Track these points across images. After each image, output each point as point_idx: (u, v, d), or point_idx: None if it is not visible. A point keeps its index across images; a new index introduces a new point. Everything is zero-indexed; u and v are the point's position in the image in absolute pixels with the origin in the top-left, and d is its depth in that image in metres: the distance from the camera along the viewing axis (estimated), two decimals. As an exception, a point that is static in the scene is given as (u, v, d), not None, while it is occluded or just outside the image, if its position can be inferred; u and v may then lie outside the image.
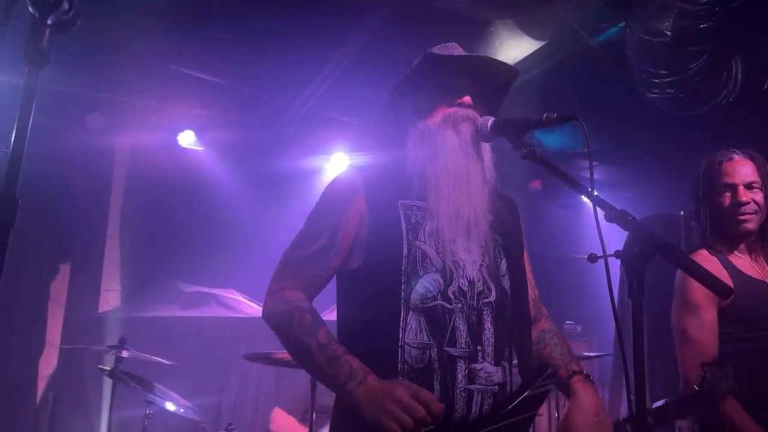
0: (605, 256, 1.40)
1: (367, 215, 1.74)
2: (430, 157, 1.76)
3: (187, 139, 5.86)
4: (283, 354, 3.49)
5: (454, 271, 1.68)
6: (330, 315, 1.83)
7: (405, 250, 1.68)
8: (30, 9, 1.07)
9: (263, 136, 5.93)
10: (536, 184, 6.74)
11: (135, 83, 5.20)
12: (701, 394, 2.01)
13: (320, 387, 3.40)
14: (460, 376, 1.61)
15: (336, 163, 6.31)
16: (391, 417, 1.47)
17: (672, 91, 3.96)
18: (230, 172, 6.06)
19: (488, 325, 1.67)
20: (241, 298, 5.72)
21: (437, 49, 1.90)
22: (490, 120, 1.74)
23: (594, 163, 1.60)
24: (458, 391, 1.60)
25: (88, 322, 5.52)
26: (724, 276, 2.31)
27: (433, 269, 1.67)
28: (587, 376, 1.77)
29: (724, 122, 4.41)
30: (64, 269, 5.68)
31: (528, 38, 4.19)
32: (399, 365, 1.61)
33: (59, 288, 5.63)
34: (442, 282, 1.66)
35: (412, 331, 1.63)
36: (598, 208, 1.47)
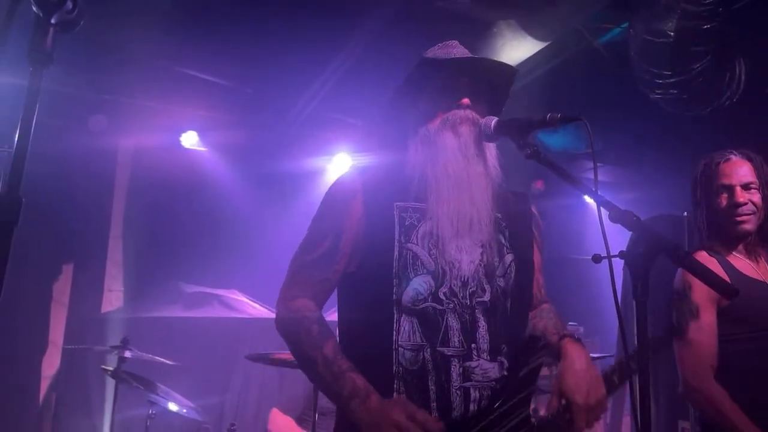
0: (609, 257, 1.40)
1: (364, 217, 1.74)
2: (430, 160, 1.76)
3: (190, 139, 5.86)
4: (285, 354, 3.49)
5: (448, 272, 1.68)
6: (332, 316, 1.83)
7: (396, 253, 1.68)
8: (33, 8, 1.07)
9: (266, 136, 5.94)
10: (539, 185, 6.73)
11: (138, 84, 5.20)
12: (672, 327, 2.01)
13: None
14: (454, 375, 1.61)
15: (339, 164, 6.31)
16: None
17: (675, 91, 3.96)
18: (233, 173, 6.06)
19: (482, 323, 1.67)
20: (244, 299, 5.72)
21: (437, 48, 1.90)
22: (494, 120, 1.74)
23: (598, 164, 1.60)
24: (454, 390, 1.61)
25: (90, 322, 5.53)
26: (723, 277, 2.30)
27: (425, 271, 1.68)
28: (577, 339, 1.77)
29: (728, 123, 4.40)
30: (67, 269, 5.69)
31: (531, 39, 4.18)
32: (394, 367, 1.62)
33: (62, 288, 5.64)
34: (433, 283, 1.67)
35: (406, 333, 1.64)
36: (602, 209, 1.46)
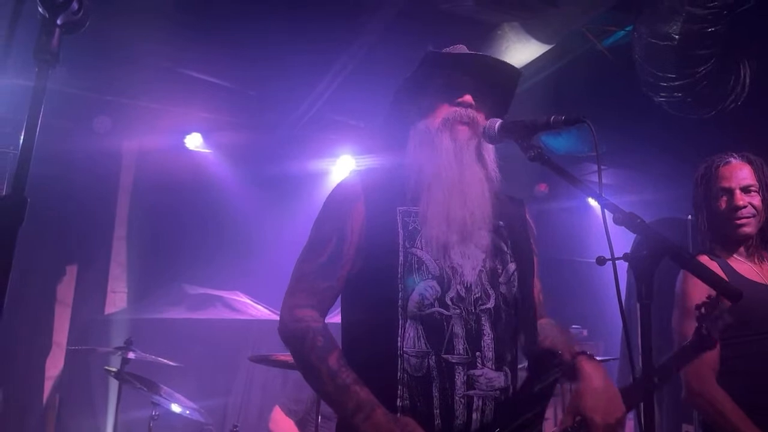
0: (613, 259, 1.40)
1: (366, 222, 1.73)
2: (426, 162, 1.75)
3: (194, 141, 5.87)
4: (288, 356, 3.48)
5: (452, 278, 1.67)
6: (335, 318, 1.83)
7: (401, 258, 1.67)
8: (39, 9, 1.08)
9: (270, 138, 5.95)
10: (542, 188, 6.73)
11: (142, 86, 5.22)
12: (701, 336, 2.00)
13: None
14: (458, 383, 1.60)
15: (342, 166, 6.32)
16: None
17: (680, 94, 3.95)
18: (237, 175, 6.07)
19: (487, 331, 1.66)
20: (247, 300, 5.73)
21: (438, 49, 1.90)
22: (498, 122, 1.74)
23: (602, 167, 1.60)
24: (457, 398, 1.59)
25: (94, 323, 5.54)
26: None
27: (430, 276, 1.66)
28: (591, 356, 1.75)
29: (732, 126, 4.40)
30: (71, 271, 5.70)
31: (535, 41, 4.18)
32: (398, 374, 1.61)
33: (66, 289, 5.65)
34: (439, 288, 1.66)
35: (410, 340, 1.63)
36: (606, 211, 1.46)
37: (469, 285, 1.68)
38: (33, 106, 1.06)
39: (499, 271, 1.74)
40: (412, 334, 1.63)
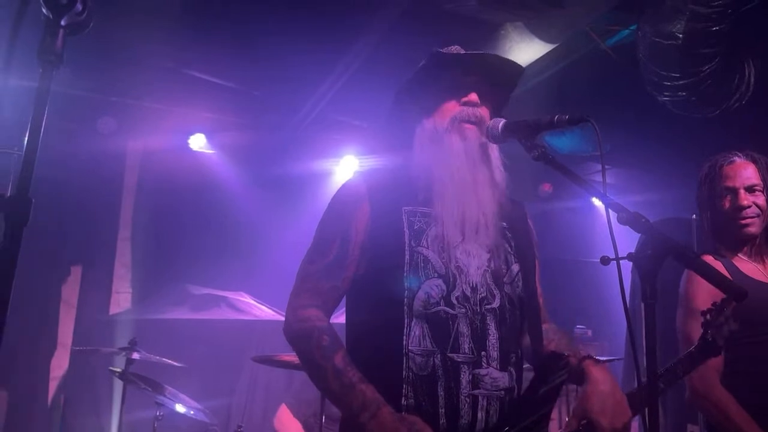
0: (617, 259, 1.39)
1: (371, 222, 1.74)
2: (436, 163, 1.75)
3: (198, 142, 5.88)
4: (292, 356, 3.49)
5: (458, 277, 1.67)
6: (339, 318, 1.83)
7: (407, 256, 1.67)
8: (43, 10, 1.08)
9: (274, 139, 5.95)
10: (546, 187, 6.72)
11: (146, 87, 5.23)
12: (706, 342, 2.00)
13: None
14: (464, 382, 1.60)
15: (346, 167, 6.32)
16: None
17: (684, 93, 3.94)
18: (240, 175, 6.08)
19: (492, 331, 1.66)
20: (251, 301, 5.74)
21: (441, 50, 1.90)
22: (502, 122, 1.74)
23: (606, 166, 1.60)
24: (462, 397, 1.59)
25: (99, 323, 5.55)
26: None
27: (436, 275, 1.67)
28: (597, 359, 1.75)
29: (737, 125, 4.38)
30: (76, 271, 5.71)
31: (539, 41, 4.17)
32: (404, 372, 1.61)
33: (71, 290, 5.66)
34: (444, 287, 1.66)
35: (416, 338, 1.63)
36: (610, 211, 1.46)
37: (474, 285, 1.68)
38: (37, 107, 1.07)
39: (504, 271, 1.75)
40: (417, 333, 1.63)
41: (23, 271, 1.05)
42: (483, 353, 1.63)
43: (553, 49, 4.33)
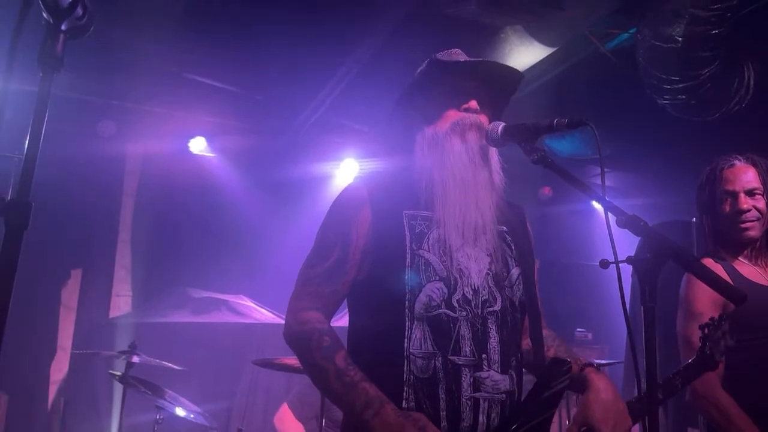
0: (617, 262, 1.39)
1: (373, 226, 1.74)
2: (438, 166, 1.76)
3: (198, 145, 5.89)
4: (292, 359, 3.49)
5: (459, 280, 1.67)
6: (340, 321, 1.83)
7: (408, 259, 1.68)
8: (44, 15, 1.08)
9: (274, 142, 5.96)
10: (546, 191, 6.72)
11: (146, 90, 5.24)
12: (704, 355, 2.00)
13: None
14: (465, 385, 1.60)
15: (346, 170, 6.32)
16: None
17: (683, 97, 3.94)
18: (241, 179, 6.08)
19: (493, 334, 1.66)
20: (251, 304, 5.73)
21: (441, 56, 1.91)
22: (501, 125, 1.74)
23: (605, 169, 1.60)
24: (464, 400, 1.59)
25: (99, 327, 5.55)
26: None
27: (437, 277, 1.67)
28: (599, 367, 1.76)
29: (737, 128, 4.39)
30: (76, 275, 5.71)
31: (539, 44, 4.18)
32: (405, 375, 1.61)
33: (71, 293, 5.66)
34: (446, 290, 1.66)
35: (417, 341, 1.63)
36: (609, 214, 1.46)
37: (476, 287, 1.68)
38: (38, 110, 1.07)
39: (505, 274, 1.75)
40: (418, 336, 1.63)
41: (23, 275, 1.05)
42: (484, 356, 1.63)
43: (553, 53, 4.34)
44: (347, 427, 1.71)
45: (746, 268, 2.41)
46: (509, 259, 1.78)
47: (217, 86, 5.29)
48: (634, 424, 1.71)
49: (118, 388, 4.65)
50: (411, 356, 1.61)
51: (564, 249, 6.68)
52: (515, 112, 1.97)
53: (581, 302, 6.43)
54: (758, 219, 2.40)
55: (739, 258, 2.45)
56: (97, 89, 5.17)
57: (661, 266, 1.33)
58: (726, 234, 2.45)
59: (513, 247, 1.82)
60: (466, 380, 1.60)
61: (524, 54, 4.25)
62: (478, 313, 1.66)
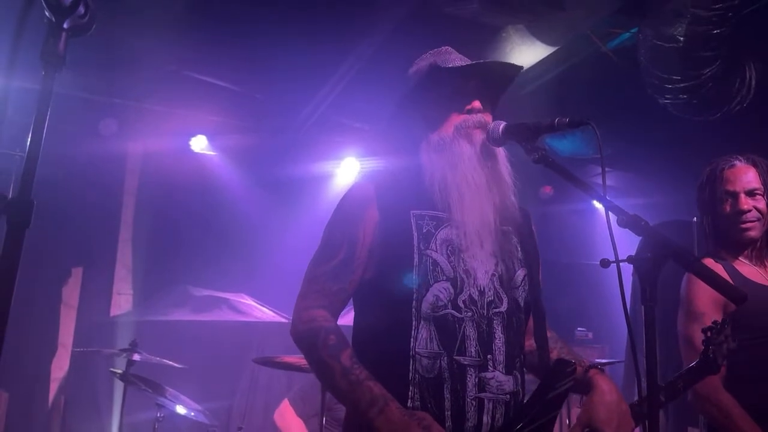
0: (617, 262, 1.39)
1: (380, 225, 1.74)
2: (449, 168, 1.75)
3: (199, 143, 5.89)
4: (293, 358, 3.49)
5: (465, 280, 1.68)
6: (342, 320, 1.83)
7: (416, 259, 1.68)
8: (46, 13, 1.08)
9: (275, 141, 5.96)
10: (547, 190, 6.72)
11: (148, 88, 5.24)
12: (707, 358, 2.01)
13: (332, 398, 3.42)
14: (470, 385, 1.60)
15: (347, 169, 6.32)
16: None
17: (685, 96, 3.94)
18: (242, 177, 6.08)
19: (499, 335, 1.67)
20: (252, 303, 5.74)
21: (429, 56, 1.91)
22: (502, 125, 1.74)
23: (606, 169, 1.60)
24: (469, 400, 1.60)
25: (100, 325, 5.56)
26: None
27: (444, 277, 1.67)
28: (602, 369, 1.77)
29: (738, 128, 4.38)
30: (77, 273, 5.72)
31: (540, 44, 4.18)
32: (410, 375, 1.61)
33: (71, 291, 5.67)
34: (452, 290, 1.66)
35: (423, 341, 1.63)
36: (610, 214, 1.46)
37: (482, 288, 1.69)
38: (40, 109, 1.07)
39: (511, 275, 1.75)
40: (424, 335, 1.63)
41: (24, 273, 1.05)
42: (489, 357, 1.64)
43: (554, 52, 4.34)
44: (351, 424, 1.72)
45: (746, 268, 2.42)
46: (515, 260, 1.79)
47: (218, 85, 5.29)
48: (636, 426, 1.72)
49: (118, 386, 4.66)
50: (417, 356, 1.62)
51: (565, 248, 6.68)
52: (516, 112, 1.97)
53: (582, 301, 6.43)
54: (758, 219, 2.40)
55: (740, 258, 2.45)
56: (98, 87, 5.17)
57: (662, 266, 1.33)
58: (726, 234, 2.45)
59: (519, 248, 1.82)
60: (471, 380, 1.61)
61: (525, 53, 4.25)
62: (483, 313, 1.67)
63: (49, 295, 5.49)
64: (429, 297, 1.65)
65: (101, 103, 5.35)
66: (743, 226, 2.39)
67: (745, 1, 3.53)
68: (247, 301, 5.74)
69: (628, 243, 1.87)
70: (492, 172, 1.77)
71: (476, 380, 1.61)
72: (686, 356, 2.35)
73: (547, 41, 4.17)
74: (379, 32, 4.35)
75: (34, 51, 1.11)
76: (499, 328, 1.67)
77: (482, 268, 1.70)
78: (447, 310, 1.65)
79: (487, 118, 1.82)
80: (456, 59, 1.86)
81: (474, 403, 1.60)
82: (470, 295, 1.67)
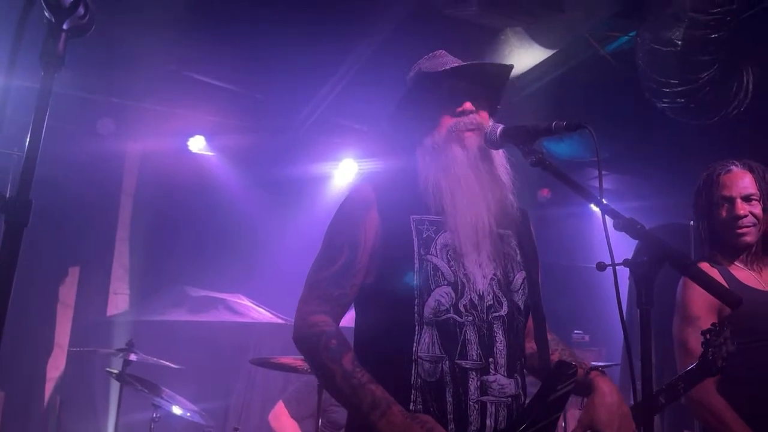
0: (614, 265, 1.40)
1: (381, 229, 1.74)
2: (442, 172, 1.76)
3: (197, 144, 5.89)
4: (289, 359, 3.49)
5: (465, 285, 1.68)
6: (345, 318, 1.83)
7: (416, 265, 1.68)
8: (46, 14, 1.08)
9: (273, 141, 5.96)
10: (545, 193, 6.72)
11: (146, 88, 5.24)
12: (707, 361, 2.02)
13: (329, 399, 3.42)
14: (472, 388, 1.61)
15: (345, 170, 6.33)
16: None
17: (682, 100, 3.95)
18: (240, 178, 6.08)
19: (500, 338, 1.67)
20: (249, 303, 5.74)
21: (425, 61, 1.91)
22: (500, 127, 1.74)
23: (604, 172, 1.61)
24: (471, 403, 1.60)
25: (96, 325, 5.55)
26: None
27: (445, 282, 1.68)
28: (603, 372, 1.78)
29: (735, 132, 4.39)
30: (74, 272, 5.71)
31: (538, 47, 4.19)
32: (412, 379, 1.62)
33: (68, 291, 5.66)
34: (453, 295, 1.67)
35: (425, 345, 1.64)
36: (606, 217, 1.46)
37: (481, 293, 1.69)
38: (39, 109, 1.07)
39: (510, 279, 1.76)
40: (427, 340, 1.64)
41: (21, 272, 1.05)
42: (491, 360, 1.64)
43: (553, 55, 4.35)
44: (353, 428, 1.72)
45: (742, 273, 2.43)
46: (514, 263, 1.79)
47: (216, 85, 5.29)
48: (637, 428, 1.72)
49: (114, 386, 4.65)
50: (419, 360, 1.63)
51: (563, 251, 6.69)
52: (514, 114, 1.98)
53: (579, 304, 6.43)
54: (754, 224, 2.41)
55: (735, 263, 2.46)
56: (96, 86, 5.17)
57: (658, 269, 1.34)
58: (722, 239, 2.46)
59: (518, 251, 1.82)
60: (473, 384, 1.61)
61: (524, 56, 4.25)
62: (483, 317, 1.67)
63: (45, 294, 5.48)
64: (431, 302, 1.66)
65: (100, 102, 5.35)
66: (739, 231, 2.41)
67: (743, 5, 3.54)
68: (244, 302, 5.74)
69: (627, 246, 1.88)
70: (488, 175, 1.77)
71: (478, 383, 1.62)
72: (680, 360, 2.36)
73: (545, 44, 4.18)
74: (378, 33, 4.35)
75: (33, 50, 1.11)
76: (500, 332, 1.68)
77: (480, 273, 1.71)
78: (449, 315, 1.65)
79: (482, 117, 1.81)
80: (449, 62, 1.86)
81: (476, 406, 1.60)
82: (471, 299, 1.68)
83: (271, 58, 4.77)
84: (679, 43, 3.60)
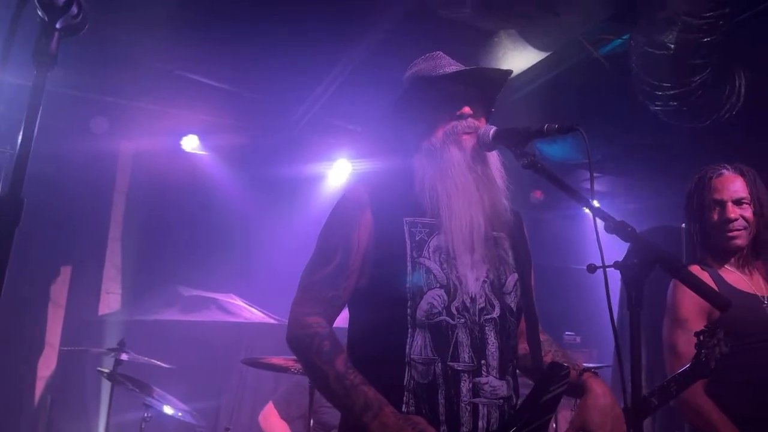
0: (604, 267, 1.41)
1: (374, 231, 1.75)
2: (439, 175, 1.76)
3: (190, 143, 5.87)
4: (281, 359, 3.49)
5: (458, 287, 1.69)
6: (339, 322, 1.83)
7: (409, 267, 1.69)
8: (39, 13, 1.08)
9: (267, 141, 5.95)
10: (537, 195, 6.74)
11: (139, 87, 5.22)
12: (699, 362, 2.03)
13: (320, 400, 3.42)
14: (464, 390, 1.62)
15: (339, 170, 6.32)
16: None
17: (675, 103, 3.97)
18: (233, 177, 6.07)
19: (492, 340, 1.68)
20: (241, 303, 5.73)
21: (422, 61, 1.91)
22: (492, 129, 1.75)
23: (596, 174, 1.61)
24: (463, 405, 1.61)
25: (87, 324, 5.52)
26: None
27: (437, 285, 1.68)
28: (596, 373, 1.78)
29: (727, 136, 4.42)
30: (65, 271, 5.69)
31: (532, 49, 4.20)
32: (405, 381, 1.63)
33: (59, 290, 5.64)
34: (446, 297, 1.68)
35: (418, 347, 1.65)
36: (598, 219, 1.47)
37: (473, 295, 1.70)
38: (31, 108, 1.07)
39: (503, 281, 1.76)
40: (419, 342, 1.65)
41: (11, 270, 1.05)
42: (483, 362, 1.65)
43: (546, 57, 4.35)
44: (345, 429, 1.73)
45: (732, 276, 2.44)
46: (506, 265, 1.80)
47: (210, 84, 5.28)
48: (629, 429, 1.73)
49: (106, 386, 4.63)
50: (412, 362, 1.64)
51: (554, 252, 6.70)
52: (508, 116, 1.98)
53: (571, 305, 6.45)
54: (745, 228, 2.43)
55: (726, 266, 2.48)
56: (89, 85, 5.15)
57: (648, 272, 1.35)
58: (713, 242, 2.48)
59: (510, 254, 1.83)
60: (465, 386, 1.62)
61: (517, 58, 4.26)
62: (475, 320, 1.68)
63: (36, 293, 5.46)
64: (423, 304, 1.66)
65: (93, 101, 5.33)
66: (730, 234, 2.43)
67: (735, 9, 3.56)
68: (236, 302, 5.73)
69: (618, 248, 1.89)
70: (483, 178, 1.77)
71: (470, 385, 1.62)
72: (669, 362, 2.37)
73: (539, 46, 4.19)
74: (373, 34, 4.36)
75: (26, 47, 1.11)
76: (492, 334, 1.68)
77: (473, 275, 1.71)
78: (441, 317, 1.66)
79: (479, 123, 1.82)
80: (446, 65, 1.87)
81: (468, 408, 1.61)
82: (463, 301, 1.68)
83: (264, 58, 4.76)
84: (672, 46, 3.61)
